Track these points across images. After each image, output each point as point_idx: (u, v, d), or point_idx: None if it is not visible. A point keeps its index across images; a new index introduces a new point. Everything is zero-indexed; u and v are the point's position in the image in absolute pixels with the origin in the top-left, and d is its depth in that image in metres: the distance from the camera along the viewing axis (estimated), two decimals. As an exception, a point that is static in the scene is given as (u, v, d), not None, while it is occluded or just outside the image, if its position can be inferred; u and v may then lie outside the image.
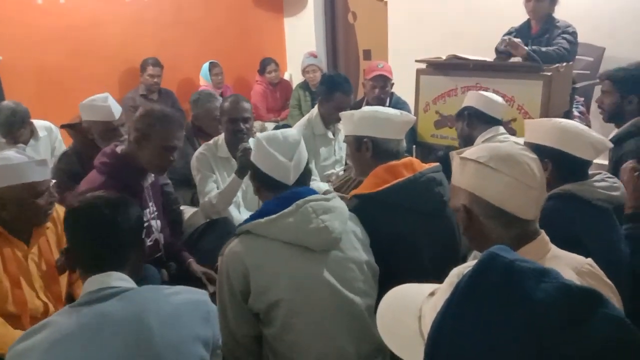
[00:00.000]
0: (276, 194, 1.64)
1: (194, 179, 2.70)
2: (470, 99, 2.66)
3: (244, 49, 5.60)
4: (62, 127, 2.95)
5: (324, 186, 3.04)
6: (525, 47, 3.10)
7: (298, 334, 1.53)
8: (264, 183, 1.69)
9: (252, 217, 1.59)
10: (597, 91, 3.16)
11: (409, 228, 1.80)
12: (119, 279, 1.27)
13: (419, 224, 1.81)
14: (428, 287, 0.86)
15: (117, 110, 2.63)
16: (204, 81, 4.84)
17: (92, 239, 1.30)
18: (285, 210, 1.54)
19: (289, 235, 1.53)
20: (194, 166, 2.69)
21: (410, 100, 3.61)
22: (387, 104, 3.50)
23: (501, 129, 2.57)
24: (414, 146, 3.53)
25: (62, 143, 3.63)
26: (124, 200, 1.39)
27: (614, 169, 2.30)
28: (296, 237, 1.53)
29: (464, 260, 1.91)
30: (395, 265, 1.73)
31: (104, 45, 4.62)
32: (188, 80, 5.13)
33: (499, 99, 2.66)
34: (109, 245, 1.30)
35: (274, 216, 1.54)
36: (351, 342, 1.56)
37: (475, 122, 2.58)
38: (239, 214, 2.72)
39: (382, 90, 3.49)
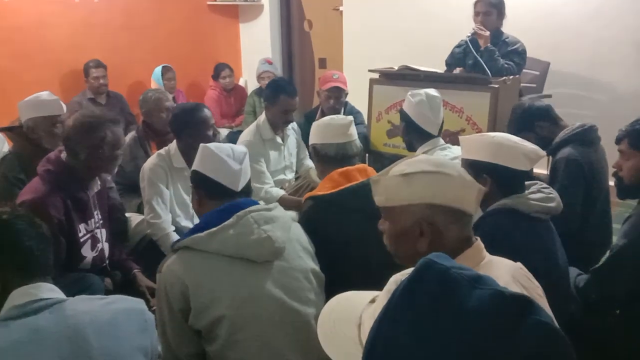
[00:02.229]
0: (221, 202, 1.59)
1: (142, 189, 2.57)
2: (408, 106, 2.52)
3: (198, 54, 5.52)
4: (0, 130, 2.82)
5: (281, 191, 3.02)
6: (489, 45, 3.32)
7: (242, 350, 1.48)
8: (209, 190, 1.63)
9: (192, 231, 1.54)
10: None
11: (360, 231, 1.80)
12: (49, 290, 1.21)
13: (370, 229, 1.81)
14: (369, 295, 0.86)
15: (63, 104, 2.62)
16: (156, 85, 4.73)
17: (14, 252, 1.24)
18: (226, 223, 1.50)
19: (229, 248, 1.48)
20: (147, 177, 2.52)
21: (364, 109, 3.65)
22: (342, 113, 3.53)
23: (440, 141, 2.51)
24: (367, 155, 3.56)
25: (8, 147, 3.48)
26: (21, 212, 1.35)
27: (551, 175, 2.48)
28: (237, 250, 1.49)
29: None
30: (343, 270, 1.74)
31: (50, 48, 4.44)
32: (139, 83, 4.98)
33: (436, 108, 2.49)
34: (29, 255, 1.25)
35: (214, 229, 1.49)
36: (297, 355, 1.53)
37: (412, 133, 2.53)
38: (192, 225, 2.64)
39: (337, 101, 3.52)
